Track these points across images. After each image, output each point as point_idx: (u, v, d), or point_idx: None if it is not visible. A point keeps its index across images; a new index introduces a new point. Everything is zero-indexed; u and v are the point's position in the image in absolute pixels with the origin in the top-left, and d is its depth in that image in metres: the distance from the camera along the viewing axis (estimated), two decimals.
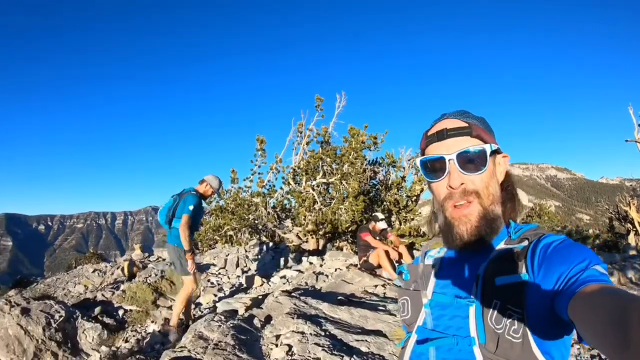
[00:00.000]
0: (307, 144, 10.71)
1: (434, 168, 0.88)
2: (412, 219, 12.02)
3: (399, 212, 11.49)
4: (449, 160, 0.85)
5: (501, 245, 0.86)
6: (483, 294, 0.80)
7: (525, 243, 0.82)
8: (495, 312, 0.76)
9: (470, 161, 0.85)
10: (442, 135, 0.88)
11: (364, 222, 8.26)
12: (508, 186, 0.95)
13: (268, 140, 10.16)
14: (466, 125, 0.87)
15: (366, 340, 3.49)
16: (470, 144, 0.85)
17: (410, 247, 7.73)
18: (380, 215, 6.90)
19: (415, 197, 12.00)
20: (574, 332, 0.72)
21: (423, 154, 0.93)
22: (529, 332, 0.73)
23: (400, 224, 11.60)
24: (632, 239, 12.62)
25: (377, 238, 6.69)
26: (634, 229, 12.91)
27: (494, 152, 0.89)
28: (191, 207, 4.34)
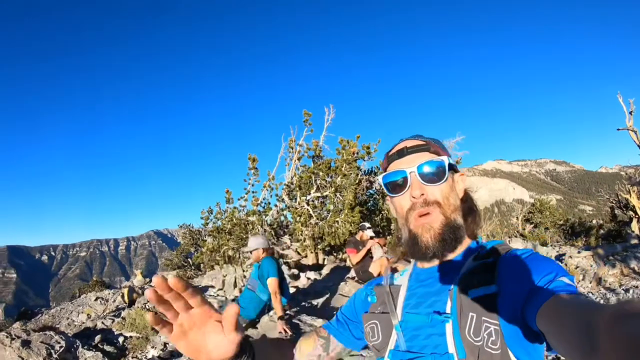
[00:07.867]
0: (299, 159, 10.87)
1: (396, 183, 0.94)
2: None
3: None
4: (410, 172, 0.91)
5: (471, 261, 0.89)
6: (459, 308, 0.80)
7: (495, 257, 0.87)
8: (473, 325, 0.77)
9: (430, 173, 0.91)
10: (403, 153, 0.95)
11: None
12: (467, 201, 1.00)
13: (260, 158, 10.33)
14: (424, 142, 0.96)
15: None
16: (429, 158, 0.92)
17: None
18: (367, 224, 6.75)
19: None
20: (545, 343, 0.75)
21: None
22: (506, 343, 0.74)
23: None
24: (634, 226, 12.28)
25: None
26: (636, 216, 12.71)
27: (452, 169, 0.96)
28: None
